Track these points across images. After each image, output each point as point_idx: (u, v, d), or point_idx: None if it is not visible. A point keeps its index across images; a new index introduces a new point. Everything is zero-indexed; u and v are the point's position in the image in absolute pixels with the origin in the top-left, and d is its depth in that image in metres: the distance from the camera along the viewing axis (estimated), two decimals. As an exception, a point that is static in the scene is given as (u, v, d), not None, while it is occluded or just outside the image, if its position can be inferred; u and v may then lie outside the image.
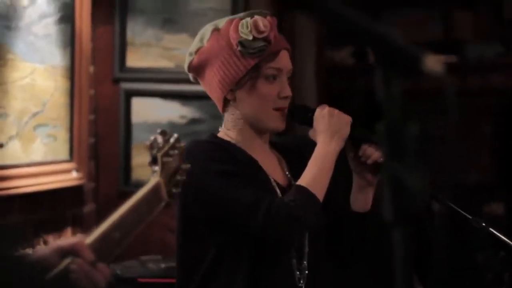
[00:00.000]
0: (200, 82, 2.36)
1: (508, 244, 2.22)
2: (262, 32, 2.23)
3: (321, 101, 4.56)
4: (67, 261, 1.41)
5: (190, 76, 2.37)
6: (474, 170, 5.18)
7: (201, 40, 2.30)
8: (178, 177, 1.70)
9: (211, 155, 2.22)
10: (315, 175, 2.21)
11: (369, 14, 1.08)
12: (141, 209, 1.56)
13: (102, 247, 1.46)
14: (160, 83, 4.09)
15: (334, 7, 1.10)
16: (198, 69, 2.32)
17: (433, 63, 1.01)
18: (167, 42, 4.08)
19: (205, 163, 2.20)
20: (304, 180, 2.22)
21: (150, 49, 4.10)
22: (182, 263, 2.30)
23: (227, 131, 2.33)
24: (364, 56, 5.27)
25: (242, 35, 2.23)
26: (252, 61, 2.24)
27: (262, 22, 2.24)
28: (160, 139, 1.67)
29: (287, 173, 2.38)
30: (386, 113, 1.07)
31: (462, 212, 2.28)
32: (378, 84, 1.06)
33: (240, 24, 2.24)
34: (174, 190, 1.68)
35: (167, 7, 4.08)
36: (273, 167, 2.36)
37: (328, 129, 2.24)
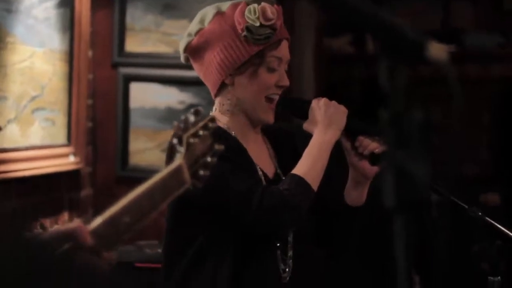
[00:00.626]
0: (195, 64, 2.32)
1: (504, 233, 2.23)
2: (269, 20, 2.22)
3: (319, 90, 4.58)
4: (65, 247, 1.37)
5: (183, 57, 2.33)
6: (471, 160, 5.18)
7: (202, 21, 2.28)
8: (208, 159, 1.61)
9: None
10: (310, 165, 2.21)
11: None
12: (157, 193, 1.48)
13: (109, 232, 1.41)
14: (159, 69, 4.08)
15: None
16: (196, 51, 2.29)
17: (437, 50, 1.01)
18: (167, 28, 4.07)
19: None
20: (299, 169, 2.21)
21: (150, 34, 4.09)
22: (168, 249, 2.29)
23: (219, 116, 2.31)
24: (363, 44, 5.27)
25: (249, 20, 2.21)
26: (256, 48, 2.23)
27: (270, 9, 2.23)
28: (192, 118, 1.58)
29: (275, 162, 2.37)
30: (388, 101, 1.07)
31: (459, 202, 2.29)
32: (381, 72, 1.06)
33: (247, 10, 2.22)
34: (201, 173, 1.58)
35: (167, -8, 4.07)
36: (261, 156, 2.34)
37: (325, 119, 2.24)
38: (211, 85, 2.31)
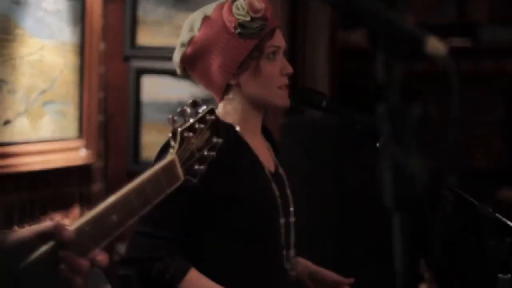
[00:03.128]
0: (194, 73, 2.31)
1: (516, 230, 2.20)
2: (259, 11, 2.21)
3: (333, 83, 4.56)
4: (46, 246, 1.30)
5: (178, 69, 2.32)
6: (485, 156, 5.15)
7: (192, 29, 2.26)
8: (205, 153, 1.54)
9: None
10: None
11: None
12: (148, 190, 1.42)
13: (94, 230, 1.34)
14: (171, 62, 4.05)
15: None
16: (192, 59, 2.27)
17: (435, 45, 0.98)
18: (178, 21, 4.05)
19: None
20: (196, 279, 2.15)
21: (161, 27, 4.08)
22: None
23: (225, 115, 2.27)
24: (377, 38, 5.23)
25: (239, 17, 2.21)
26: (252, 42, 2.22)
27: (257, 1, 2.22)
28: (189, 110, 1.51)
29: (274, 159, 2.37)
30: (388, 96, 1.05)
31: (469, 198, 2.26)
32: (378, 66, 1.04)
33: (234, 6, 2.21)
34: (196, 167, 1.52)
35: (178, -15, 4.06)
36: (264, 152, 2.33)
37: None
38: (215, 90, 2.29)
